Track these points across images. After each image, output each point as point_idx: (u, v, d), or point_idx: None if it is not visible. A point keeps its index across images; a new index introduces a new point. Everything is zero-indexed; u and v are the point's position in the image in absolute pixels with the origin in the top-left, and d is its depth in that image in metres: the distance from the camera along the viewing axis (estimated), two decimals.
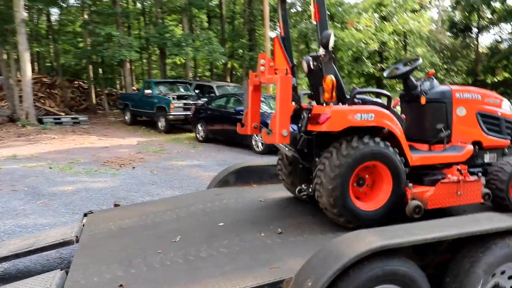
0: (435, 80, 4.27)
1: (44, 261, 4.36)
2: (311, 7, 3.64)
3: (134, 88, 25.48)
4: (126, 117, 18.91)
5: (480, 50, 27.06)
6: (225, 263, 3.06)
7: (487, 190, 3.90)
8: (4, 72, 20.00)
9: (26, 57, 17.33)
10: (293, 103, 3.98)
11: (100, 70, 26.31)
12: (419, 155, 3.88)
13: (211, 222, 3.95)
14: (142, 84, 20.91)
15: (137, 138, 14.94)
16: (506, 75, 24.27)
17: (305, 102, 4.10)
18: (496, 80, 24.82)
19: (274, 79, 3.61)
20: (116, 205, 5.05)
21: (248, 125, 4.07)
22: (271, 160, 5.25)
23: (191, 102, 16.16)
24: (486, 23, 25.16)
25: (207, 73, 34.95)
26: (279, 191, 4.69)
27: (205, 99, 16.17)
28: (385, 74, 4.55)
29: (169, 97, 16.46)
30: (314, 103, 3.94)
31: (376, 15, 22.71)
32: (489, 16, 24.74)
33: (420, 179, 3.87)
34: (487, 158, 4.35)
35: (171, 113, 15.81)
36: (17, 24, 16.94)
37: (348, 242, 2.66)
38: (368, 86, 26.76)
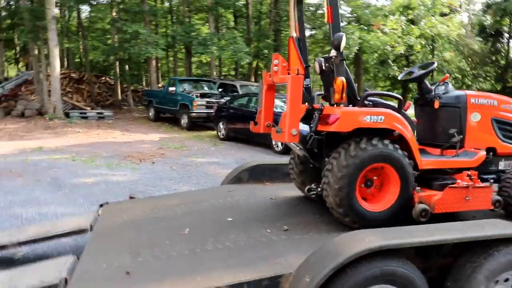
0: (450, 85, 4.26)
1: (60, 248, 4.52)
2: (325, 9, 3.69)
3: (160, 85, 25.80)
4: (150, 114, 19.21)
5: (511, 56, 26.47)
6: (229, 256, 3.13)
7: (498, 197, 3.86)
8: (35, 67, 20.58)
9: (55, 53, 17.80)
10: (306, 103, 4.03)
11: (127, 67, 26.74)
12: (429, 159, 3.88)
13: (221, 217, 4.03)
14: (166, 81, 21.18)
15: (159, 134, 15.17)
16: None
17: (319, 103, 4.15)
18: None
19: (285, 79, 3.67)
20: (131, 198, 5.19)
21: (261, 124, 4.14)
22: (285, 159, 5.31)
23: (214, 100, 16.31)
24: None
25: (232, 72, 35.15)
26: (290, 190, 4.74)
27: (228, 98, 16.33)
28: (399, 77, 4.56)
29: (192, 95, 16.67)
30: (327, 104, 3.99)
31: (403, 18, 22.44)
32: None
33: (429, 183, 3.87)
34: (502, 165, 4.31)
35: (194, 111, 16.01)
36: (48, 21, 17.41)
37: (347, 241, 2.71)
38: (394, 90, 26.49)
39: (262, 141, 12.37)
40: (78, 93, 22.87)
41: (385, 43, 20.68)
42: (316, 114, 3.79)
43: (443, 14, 24.76)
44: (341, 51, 3.54)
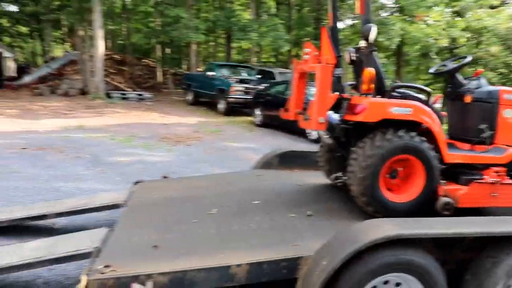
0: (483, 79, 4.21)
1: (96, 220, 4.79)
2: (356, 0, 3.72)
3: (199, 69, 26.14)
4: (188, 97, 19.50)
5: None
6: (252, 237, 3.26)
7: None
8: (80, 47, 21.23)
9: (99, 34, 18.31)
10: (337, 92, 4.09)
11: (168, 50, 27.15)
12: (457, 153, 3.87)
13: (248, 199, 4.15)
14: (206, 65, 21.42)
15: (196, 118, 15.44)
16: None
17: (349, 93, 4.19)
18: None
19: (315, 68, 3.73)
20: (164, 177, 5.40)
21: (292, 110, 4.22)
22: (314, 147, 5.38)
23: (252, 86, 16.38)
24: None
25: (272, 59, 35.12)
26: (318, 177, 4.81)
27: (265, 84, 16.38)
28: (431, 70, 4.53)
29: (230, 80, 16.80)
30: (356, 94, 4.03)
31: (448, 9, 21.79)
32: None
33: (457, 178, 3.87)
34: None
35: (231, 96, 16.13)
36: (93, 2, 17.88)
37: (365, 229, 2.78)
38: (435, 83, 25.84)
39: (297, 129, 12.39)
40: (120, 75, 23.47)
41: (427, 35, 20.18)
42: (345, 104, 3.85)
43: (493, 7, 23.91)
44: (370, 42, 3.58)
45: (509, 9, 25.99)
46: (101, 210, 4.58)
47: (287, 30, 22.77)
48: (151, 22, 27.41)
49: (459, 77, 4.23)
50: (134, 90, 21.13)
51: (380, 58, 29.87)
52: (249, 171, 5.52)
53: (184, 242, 3.23)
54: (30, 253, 3.37)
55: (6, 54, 24.36)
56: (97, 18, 18.03)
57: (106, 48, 26.96)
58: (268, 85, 15.74)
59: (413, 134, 3.56)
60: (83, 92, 19.20)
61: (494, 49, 24.71)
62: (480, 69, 4.24)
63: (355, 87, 4.15)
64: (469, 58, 4.26)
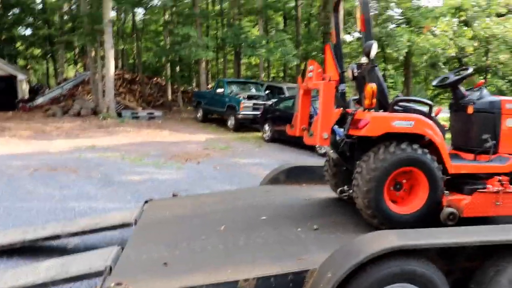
0: (485, 90, 4.27)
1: (107, 239, 4.89)
2: (357, 17, 3.81)
3: (209, 86, 26.41)
4: (198, 114, 19.70)
5: None
6: (259, 251, 3.33)
7: None
8: (91, 68, 21.62)
9: (110, 55, 18.65)
10: (341, 108, 4.18)
11: (178, 68, 27.50)
12: (460, 164, 3.92)
13: (255, 215, 4.23)
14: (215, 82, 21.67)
15: (206, 135, 15.58)
16: None
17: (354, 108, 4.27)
18: None
19: (318, 85, 3.82)
20: (174, 195, 5.50)
21: (297, 127, 4.31)
22: (322, 161, 5.44)
23: (261, 102, 16.52)
24: None
25: (281, 74, 35.34)
26: (324, 191, 4.87)
27: (274, 100, 16.51)
28: (434, 82, 4.60)
29: (239, 96, 16.96)
30: (361, 108, 4.11)
31: (455, 19, 21.84)
32: None
33: (460, 188, 3.91)
34: None
35: (241, 113, 16.30)
36: (104, 24, 18.27)
37: (368, 240, 2.84)
38: (444, 93, 25.79)
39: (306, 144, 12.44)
40: (131, 94, 23.82)
41: (435, 45, 20.24)
42: (349, 119, 3.92)
43: (500, 15, 23.89)
44: (371, 58, 3.66)
45: None
46: (112, 229, 4.67)
47: (295, 45, 22.95)
48: (161, 41, 27.85)
49: (461, 88, 4.29)
50: (145, 109, 21.43)
51: (388, 70, 30.02)
52: (257, 188, 5.59)
53: (193, 258, 3.30)
54: (44, 273, 3.47)
55: (20, 76, 24.85)
56: (108, 39, 18.38)
57: (117, 67, 27.42)
58: (277, 100, 15.87)
59: (416, 146, 3.61)
60: (95, 112, 19.52)
61: (503, 57, 24.65)
62: (481, 80, 4.29)
63: (359, 102, 4.23)
64: (470, 70, 4.33)
